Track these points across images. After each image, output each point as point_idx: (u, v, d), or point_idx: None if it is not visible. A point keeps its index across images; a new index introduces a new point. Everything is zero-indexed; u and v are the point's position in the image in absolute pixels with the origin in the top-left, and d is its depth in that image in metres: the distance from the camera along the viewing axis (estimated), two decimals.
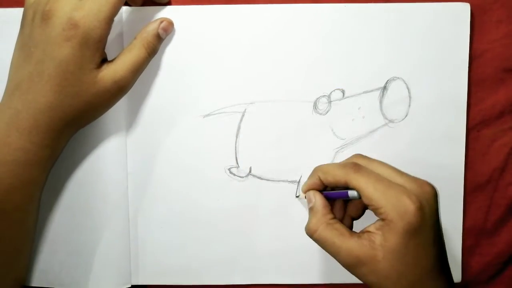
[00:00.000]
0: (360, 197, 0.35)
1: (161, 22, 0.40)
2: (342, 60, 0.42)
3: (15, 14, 0.41)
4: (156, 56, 0.41)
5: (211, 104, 0.43)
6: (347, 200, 0.39)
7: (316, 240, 0.36)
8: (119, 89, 0.38)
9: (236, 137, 0.43)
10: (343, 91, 0.42)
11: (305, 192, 0.39)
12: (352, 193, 0.36)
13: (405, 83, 0.42)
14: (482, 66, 0.43)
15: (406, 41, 0.42)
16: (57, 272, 0.43)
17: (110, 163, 0.42)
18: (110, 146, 0.42)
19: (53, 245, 0.43)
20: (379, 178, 0.35)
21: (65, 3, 0.35)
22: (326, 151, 0.43)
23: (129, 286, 0.44)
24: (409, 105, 0.43)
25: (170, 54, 0.42)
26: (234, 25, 0.42)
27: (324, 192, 0.38)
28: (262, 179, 0.43)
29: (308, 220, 0.37)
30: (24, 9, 0.38)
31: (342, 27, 0.42)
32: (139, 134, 0.43)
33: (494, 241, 0.45)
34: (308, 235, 0.37)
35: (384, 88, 0.42)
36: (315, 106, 0.43)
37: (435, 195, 0.35)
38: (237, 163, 0.43)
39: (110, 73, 0.37)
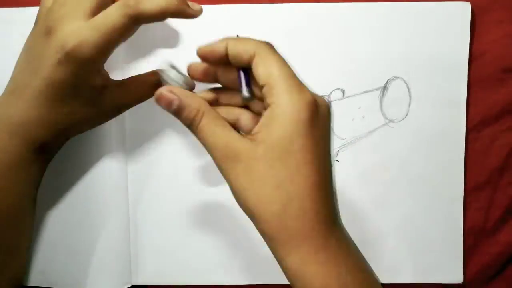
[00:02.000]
0: (249, 99, 0.32)
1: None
2: (342, 60, 0.42)
3: (15, 14, 0.41)
4: (156, 56, 0.41)
5: None
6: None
7: (197, 133, 0.32)
8: (123, 109, 0.38)
9: None
10: (343, 91, 0.42)
11: (201, 53, 0.34)
12: (245, 93, 0.33)
13: (405, 83, 0.42)
14: (482, 66, 0.43)
15: (406, 41, 0.42)
16: (56, 272, 0.43)
17: (110, 163, 0.42)
18: (110, 146, 0.42)
19: (53, 245, 0.43)
20: (286, 65, 0.31)
21: (68, 22, 0.33)
22: None
23: (129, 286, 0.44)
24: (409, 105, 0.43)
25: (170, 54, 0.42)
26: (234, 25, 0.42)
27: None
28: None
29: (187, 103, 0.32)
30: (39, 10, 0.37)
31: (342, 26, 0.42)
32: (139, 133, 0.43)
33: (494, 241, 0.45)
34: (185, 121, 0.33)
35: (384, 87, 0.42)
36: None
37: (329, 108, 0.31)
38: None
39: (111, 97, 0.37)
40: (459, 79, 0.43)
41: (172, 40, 0.42)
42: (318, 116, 0.30)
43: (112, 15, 0.34)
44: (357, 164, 0.43)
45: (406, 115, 0.43)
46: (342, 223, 0.32)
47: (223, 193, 0.43)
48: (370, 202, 0.43)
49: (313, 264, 0.30)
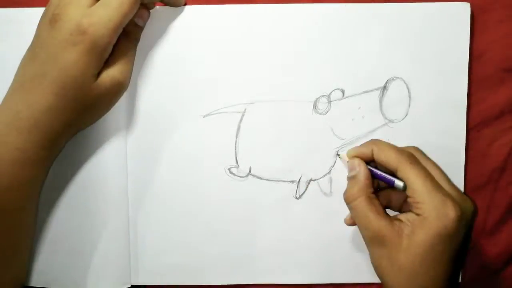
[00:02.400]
0: (404, 189, 0.36)
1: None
2: (342, 60, 0.42)
3: (15, 14, 0.41)
4: (155, 56, 0.41)
5: (211, 104, 0.43)
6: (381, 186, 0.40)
7: (352, 208, 0.37)
8: (119, 86, 0.38)
9: (236, 137, 0.43)
10: (343, 91, 0.42)
11: (351, 157, 0.39)
12: (398, 183, 0.37)
13: (405, 83, 0.42)
14: (482, 66, 0.43)
15: (406, 41, 0.42)
16: (56, 272, 0.43)
17: (110, 163, 0.42)
18: (110, 146, 0.42)
19: (53, 245, 0.43)
20: (429, 176, 0.35)
21: (75, 8, 0.35)
22: (326, 151, 0.43)
23: (129, 286, 0.44)
24: (409, 105, 0.43)
25: (169, 54, 0.42)
26: (234, 25, 0.42)
27: (369, 166, 0.39)
28: (262, 179, 0.43)
29: (349, 187, 0.38)
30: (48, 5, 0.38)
31: (342, 27, 0.42)
32: (139, 134, 0.43)
33: (494, 241, 0.45)
34: (346, 201, 0.38)
35: (384, 88, 0.42)
36: (315, 106, 0.43)
37: (474, 213, 0.36)
38: (237, 163, 0.43)
39: (108, 77, 0.37)
40: (459, 79, 0.42)
41: (171, 39, 0.42)
42: (460, 226, 0.34)
43: None
44: None
45: (406, 115, 0.43)
46: None
47: (223, 194, 0.43)
48: None
49: None
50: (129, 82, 0.40)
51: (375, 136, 0.43)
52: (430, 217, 0.34)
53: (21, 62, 0.38)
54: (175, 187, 0.43)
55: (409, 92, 0.42)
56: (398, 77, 0.42)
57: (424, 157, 0.38)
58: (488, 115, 0.44)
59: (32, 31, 0.37)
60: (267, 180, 0.43)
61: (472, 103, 0.44)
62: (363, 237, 0.37)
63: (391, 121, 0.43)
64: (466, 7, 0.42)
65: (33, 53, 0.37)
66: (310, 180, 0.43)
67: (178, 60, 0.42)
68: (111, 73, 0.38)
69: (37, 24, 0.37)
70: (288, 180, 0.43)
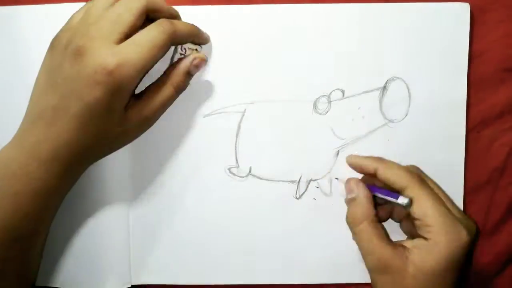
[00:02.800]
0: (409, 206, 0.35)
1: (194, 58, 0.38)
2: (342, 60, 0.42)
3: (15, 12, 0.41)
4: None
5: (211, 104, 0.43)
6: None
7: (356, 233, 0.36)
8: (145, 126, 0.38)
9: (236, 137, 0.43)
10: (343, 91, 0.42)
11: (354, 165, 0.39)
12: (403, 200, 0.35)
13: (405, 83, 0.42)
14: (482, 66, 0.43)
15: (406, 41, 0.42)
16: (56, 272, 0.43)
17: (111, 164, 0.42)
18: None
19: (53, 246, 0.43)
20: (439, 200, 0.34)
21: (102, 43, 0.33)
22: (326, 151, 0.43)
23: (129, 286, 0.44)
24: (409, 105, 0.43)
25: (169, 54, 0.42)
26: (234, 25, 0.42)
27: (370, 185, 0.38)
28: (262, 179, 0.43)
29: (351, 211, 0.37)
30: (61, 30, 0.37)
31: (341, 27, 0.42)
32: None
33: (494, 241, 0.45)
34: (349, 225, 0.37)
35: (384, 88, 0.42)
36: (315, 106, 0.43)
37: (478, 233, 0.36)
38: (237, 163, 0.43)
39: (136, 112, 0.36)
40: (459, 79, 0.42)
41: None
42: (471, 248, 0.34)
43: (152, 32, 0.35)
44: None
45: (406, 115, 0.43)
46: None
47: (223, 193, 0.43)
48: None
49: None
50: (158, 119, 0.39)
51: (376, 136, 0.43)
52: (441, 242, 0.33)
53: (38, 85, 0.36)
54: (175, 187, 0.43)
55: (409, 92, 0.42)
56: (398, 77, 0.42)
57: (429, 179, 0.37)
58: (488, 115, 0.44)
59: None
60: (267, 180, 0.43)
61: (472, 103, 0.44)
62: (366, 263, 0.36)
63: (391, 121, 0.43)
64: (466, 7, 0.42)
65: (53, 83, 0.35)
66: (310, 180, 0.43)
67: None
68: (141, 116, 0.37)
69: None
70: (288, 180, 0.43)
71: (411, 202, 0.35)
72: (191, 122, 0.43)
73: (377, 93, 0.42)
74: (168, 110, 0.42)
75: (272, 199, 0.43)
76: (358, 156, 0.39)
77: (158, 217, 0.44)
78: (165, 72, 0.38)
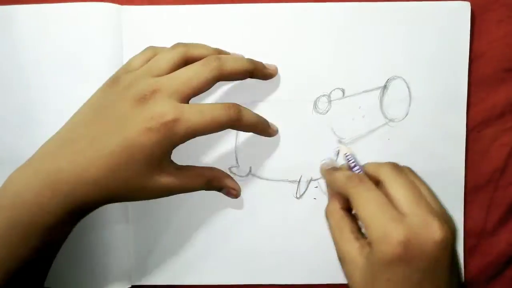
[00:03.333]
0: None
1: (233, 189, 0.40)
2: (342, 59, 0.42)
3: (14, 12, 0.41)
4: None
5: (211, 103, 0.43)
6: None
7: (329, 224, 0.36)
8: (159, 195, 0.37)
9: (236, 136, 0.43)
10: (343, 90, 0.42)
11: (324, 172, 0.38)
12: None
13: (406, 82, 0.42)
14: (482, 66, 0.43)
15: (407, 40, 0.42)
16: (57, 273, 0.43)
17: None
18: None
19: None
20: (378, 199, 0.33)
21: (167, 97, 0.34)
22: (326, 150, 0.43)
23: (129, 286, 0.44)
24: (410, 104, 0.43)
25: None
26: (234, 24, 0.42)
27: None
28: (262, 178, 0.43)
29: (327, 204, 0.37)
30: (122, 71, 0.37)
31: (342, 26, 0.42)
32: None
33: (494, 241, 0.45)
34: (325, 215, 0.37)
35: (384, 87, 0.42)
36: (315, 105, 0.43)
37: (444, 241, 0.30)
38: (237, 162, 0.43)
39: (165, 177, 0.35)
40: (459, 78, 0.43)
41: (172, 39, 0.42)
42: (409, 258, 0.30)
43: (219, 110, 0.35)
44: None
45: (406, 115, 0.43)
46: None
47: (223, 194, 0.43)
48: None
49: None
50: (173, 195, 0.37)
51: (376, 135, 0.43)
52: (373, 242, 0.31)
53: (79, 116, 0.36)
54: None
55: (409, 91, 0.42)
56: (398, 76, 0.42)
57: (393, 175, 0.34)
58: (488, 115, 0.44)
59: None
60: (267, 179, 0.43)
61: (472, 103, 0.44)
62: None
63: (391, 120, 0.43)
64: (466, 6, 0.42)
65: (101, 118, 0.34)
66: (311, 180, 0.43)
67: None
68: (168, 176, 0.36)
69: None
70: (289, 180, 0.43)
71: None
72: None
73: (377, 93, 0.43)
74: None
75: (272, 198, 0.43)
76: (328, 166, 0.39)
77: (158, 217, 0.44)
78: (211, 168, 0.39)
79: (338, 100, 0.43)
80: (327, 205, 0.37)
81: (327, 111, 0.43)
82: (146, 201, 0.43)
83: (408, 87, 0.42)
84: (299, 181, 0.43)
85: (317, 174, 0.43)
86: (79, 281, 0.43)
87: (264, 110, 0.42)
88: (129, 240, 0.44)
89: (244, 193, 0.43)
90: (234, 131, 0.43)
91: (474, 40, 0.43)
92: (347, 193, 0.34)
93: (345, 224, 0.35)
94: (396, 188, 0.33)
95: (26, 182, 0.33)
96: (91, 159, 0.33)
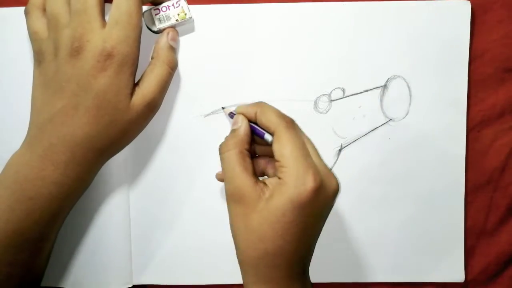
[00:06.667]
0: (271, 143, 0.35)
1: (167, 33, 0.40)
2: (343, 59, 0.42)
3: (14, 13, 0.41)
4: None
5: (212, 103, 0.43)
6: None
7: (223, 159, 0.36)
8: (150, 111, 0.39)
9: None
10: (343, 90, 0.42)
11: (237, 112, 0.39)
12: (268, 136, 0.36)
13: (406, 82, 0.42)
14: (482, 66, 0.43)
15: (407, 39, 0.42)
16: (58, 272, 0.43)
17: (111, 163, 0.41)
18: None
19: (55, 246, 0.43)
20: (300, 145, 0.35)
21: (93, 34, 0.35)
22: (327, 150, 0.43)
23: (131, 286, 0.44)
24: (410, 104, 0.43)
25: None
26: (234, 24, 0.42)
27: (252, 123, 0.38)
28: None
29: (226, 139, 0.37)
30: (35, 46, 0.38)
31: (342, 25, 0.42)
32: (140, 134, 0.42)
33: (494, 241, 0.45)
34: (219, 151, 0.37)
35: (385, 86, 0.42)
36: (315, 105, 0.43)
37: (336, 191, 0.35)
38: None
39: (140, 97, 0.37)
40: (459, 78, 0.43)
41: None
42: (317, 200, 0.33)
43: (124, 4, 0.36)
44: (357, 163, 0.43)
45: (407, 114, 0.43)
46: (309, 278, 0.37)
47: (223, 194, 0.43)
48: (371, 201, 0.43)
49: None
50: (161, 102, 0.40)
51: (376, 134, 0.43)
52: (289, 182, 0.33)
53: (37, 99, 0.37)
54: (176, 186, 0.43)
55: (409, 90, 0.42)
56: (398, 76, 0.42)
57: (300, 130, 0.37)
58: (488, 115, 0.44)
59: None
60: None
61: (472, 103, 0.44)
62: (226, 191, 0.36)
63: (392, 119, 0.43)
64: (467, 5, 0.42)
65: (56, 88, 0.36)
66: None
67: (179, 59, 0.42)
68: (144, 100, 0.37)
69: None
70: None
71: (272, 141, 0.36)
72: (192, 122, 0.43)
73: (378, 92, 0.43)
74: (168, 110, 0.42)
75: None
76: (243, 106, 0.39)
77: (159, 217, 0.44)
78: (152, 56, 0.40)
79: (338, 100, 0.43)
80: (226, 140, 0.37)
81: (328, 111, 0.43)
82: (147, 202, 0.43)
83: (409, 87, 0.42)
84: None
85: None
86: (80, 281, 0.43)
87: None
88: (129, 240, 0.44)
89: None
90: None
91: (474, 40, 0.43)
92: (275, 129, 0.35)
93: (248, 162, 0.36)
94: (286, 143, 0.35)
95: (24, 161, 0.36)
96: (72, 125, 0.35)
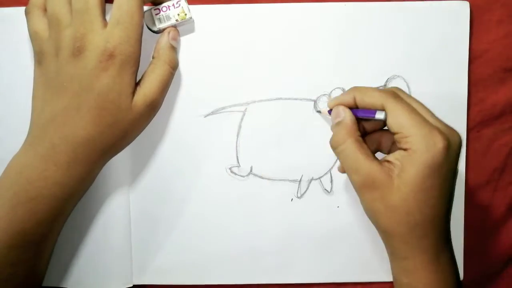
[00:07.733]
0: (385, 119, 0.35)
1: (168, 33, 0.40)
2: (343, 59, 0.42)
3: (14, 13, 0.41)
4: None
5: (212, 103, 0.43)
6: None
7: (340, 153, 0.36)
8: (152, 110, 0.39)
9: (237, 136, 0.43)
10: (343, 90, 0.42)
11: (332, 106, 0.38)
12: (379, 114, 0.35)
13: (405, 82, 0.42)
14: (482, 66, 0.43)
15: (406, 40, 0.42)
16: (58, 272, 0.43)
17: (112, 163, 0.41)
18: None
19: (56, 246, 0.43)
20: (414, 110, 0.34)
21: (94, 35, 0.35)
22: (327, 150, 0.43)
23: (131, 286, 0.44)
24: None
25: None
26: (235, 24, 0.42)
27: (353, 109, 0.38)
28: (263, 178, 0.43)
29: (335, 133, 0.37)
30: (36, 46, 0.38)
31: (342, 25, 0.42)
32: (141, 135, 0.42)
33: (494, 241, 0.45)
34: (332, 147, 0.37)
35: (384, 86, 0.43)
36: (315, 104, 0.43)
37: (460, 144, 0.35)
38: (238, 162, 0.43)
39: (141, 97, 0.37)
40: (459, 78, 0.43)
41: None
42: (449, 157, 0.33)
43: (125, 5, 0.36)
44: None
45: None
46: (452, 246, 0.37)
47: (224, 193, 0.43)
48: None
49: (425, 271, 0.35)
50: (162, 102, 0.40)
51: (377, 134, 0.43)
52: (419, 150, 0.33)
53: (38, 98, 0.37)
54: (176, 186, 0.43)
55: (409, 90, 0.42)
56: (398, 76, 0.42)
57: (406, 94, 0.37)
58: (488, 115, 0.44)
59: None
60: (268, 179, 0.43)
61: (472, 103, 0.44)
62: (353, 182, 0.35)
63: None
64: (465, 6, 0.42)
65: (57, 88, 0.36)
66: (312, 179, 0.43)
67: (179, 59, 0.42)
68: (146, 100, 0.38)
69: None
70: (289, 179, 0.43)
71: (386, 115, 0.35)
72: (192, 122, 0.43)
73: None
74: (168, 110, 0.42)
75: (273, 198, 0.43)
76: (335, 99, 0.38)
77: (159, 217, 0.44)
78: (153, 56, 0.40)
79: None
80: (336, 134, 0.37)
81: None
82: (147, 202, 0.43)
83: (408, 87, 0.43)
84: (300, 181, 0.43)
85: (318, 173, 0.43)
86: (80, 281, 0.43)
87: (265, 109, 0.43)
88: (130, 240, 0.44)
89: (245, 193, 0.43)
90: (235, 131, 0.43)
91: (474, 40, 0.43)
92: (384, 105, 0.35)
93: (366, 147, 0.36)
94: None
95: (26, 162, 0.35)
96: (74, 125, 0.35)
